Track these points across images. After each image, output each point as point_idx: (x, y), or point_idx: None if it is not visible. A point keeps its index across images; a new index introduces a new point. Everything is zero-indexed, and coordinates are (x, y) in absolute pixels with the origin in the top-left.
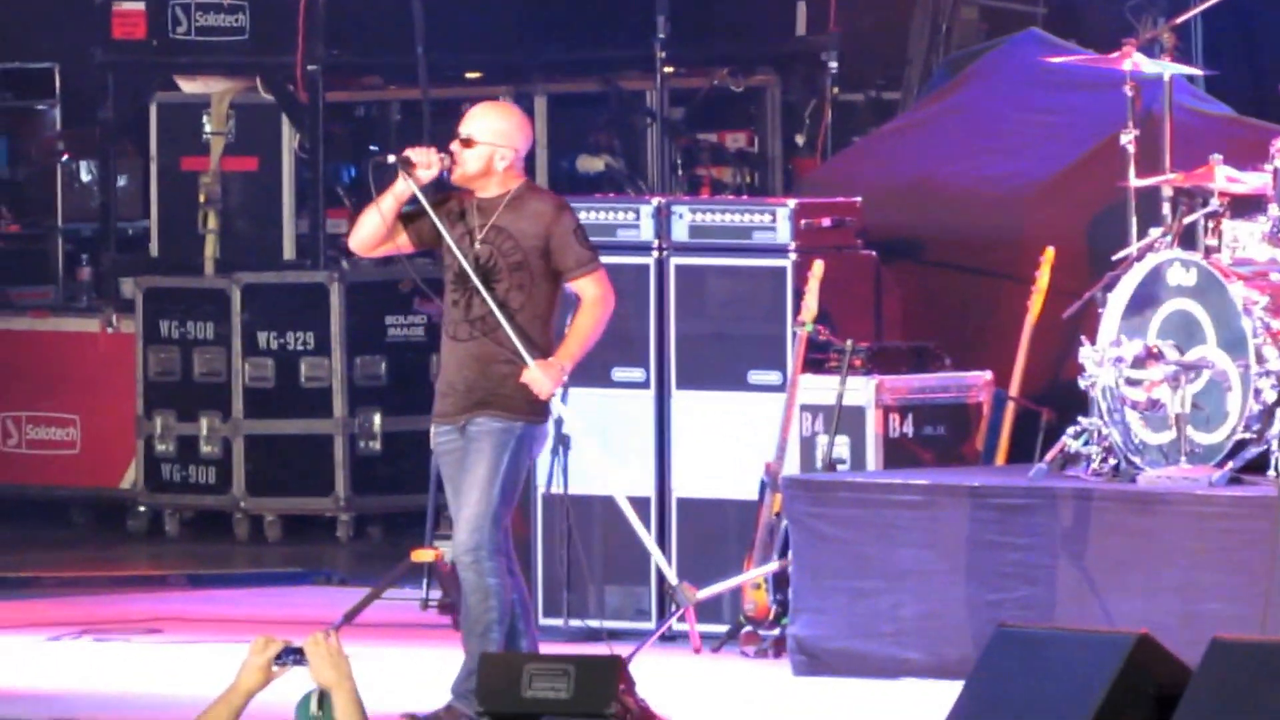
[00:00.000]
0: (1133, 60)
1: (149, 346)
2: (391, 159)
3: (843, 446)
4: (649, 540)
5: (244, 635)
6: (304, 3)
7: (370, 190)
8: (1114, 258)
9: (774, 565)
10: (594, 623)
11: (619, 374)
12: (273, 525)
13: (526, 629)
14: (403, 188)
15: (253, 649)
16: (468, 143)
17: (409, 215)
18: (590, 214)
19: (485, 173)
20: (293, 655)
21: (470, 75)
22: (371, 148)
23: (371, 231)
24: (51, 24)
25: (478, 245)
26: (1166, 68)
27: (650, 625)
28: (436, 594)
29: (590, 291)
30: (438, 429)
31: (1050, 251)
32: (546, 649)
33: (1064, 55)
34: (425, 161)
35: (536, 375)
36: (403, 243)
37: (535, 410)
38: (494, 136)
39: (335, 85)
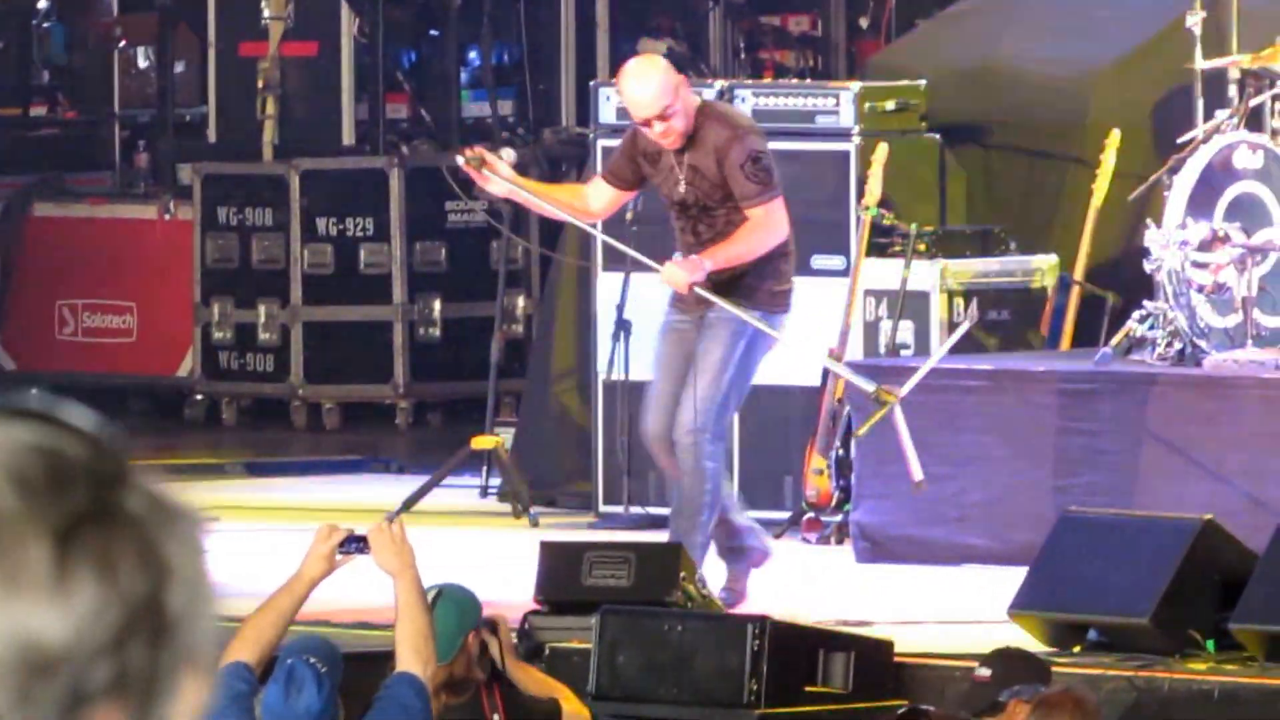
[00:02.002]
0: None
1: (207, 233)
2: (462, 160)
3: (907, 331)
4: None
5: (302, 524)
6: None
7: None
8: (1180, 140)
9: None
10: (655, 510)
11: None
12: (331, 413)
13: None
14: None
15: (317, 537)
16: (663, 117)
17: (612, 170)
18: None
19: (688, 125)
20: (356, 544)
21: None
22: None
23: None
24: None
25: (682, 187)
26: None
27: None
28: (496, 481)
29: (753, 218)
30: (671, 311)
31: (1116, 134)
32: (608, 536)
33: None
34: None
35: (671, 269)
36: (610, 197)
37: (775, 303)
38: (668, 97)
39: None
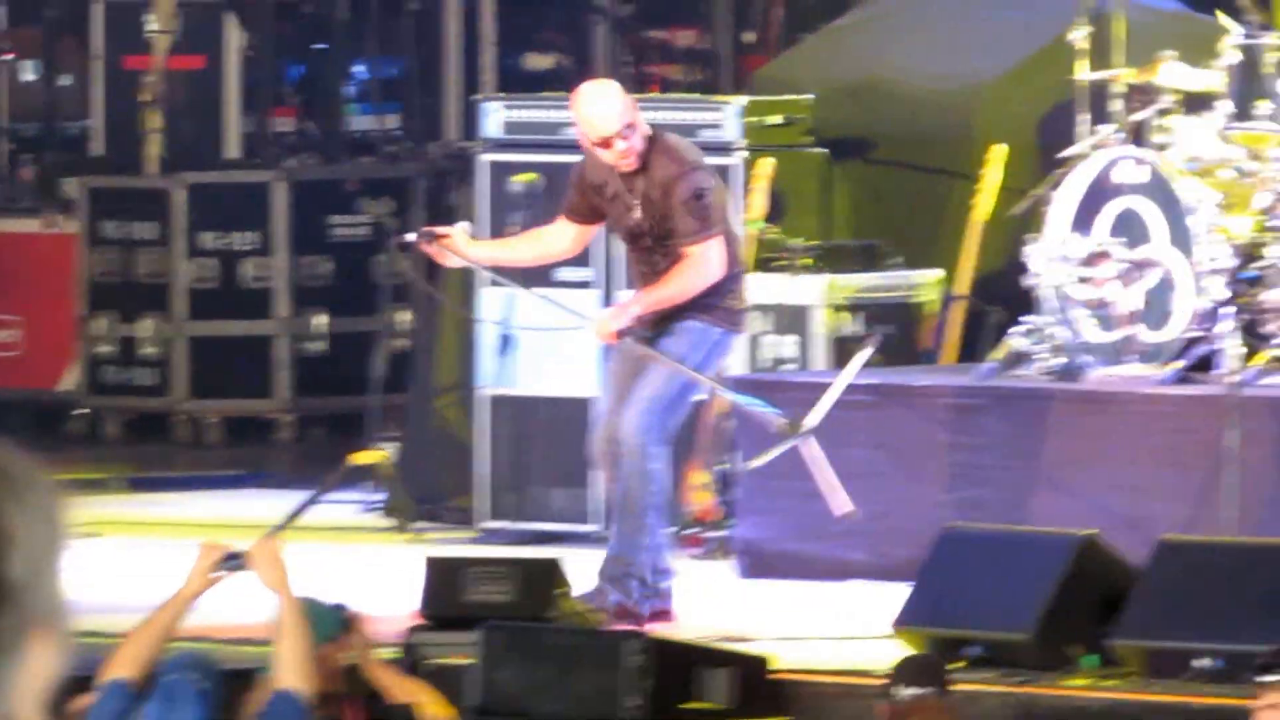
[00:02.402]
0: None
1: (91, 247)
2: (414, 236)
3: (790, 346)
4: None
5: (186, 539)
6: None
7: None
8: (1063, 155)
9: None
10: (538, 525)
11: (564, 273)
12: (214, 428)
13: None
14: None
15: (199, 554)
16: (623, 135)
17: (569, 207)
18: (536, 112)
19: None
20: (234, 560)
21: None
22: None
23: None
24: None
25: (637, 213)
26: None
27: (593, 527)
28: (379, 496)
29: (689, 256)
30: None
31: (1000, 149)
32: (490, 551)
33: None
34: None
35: (599, 321)
36: (574, 234)
37: (733, 321)
38: (629, 115)
39: None
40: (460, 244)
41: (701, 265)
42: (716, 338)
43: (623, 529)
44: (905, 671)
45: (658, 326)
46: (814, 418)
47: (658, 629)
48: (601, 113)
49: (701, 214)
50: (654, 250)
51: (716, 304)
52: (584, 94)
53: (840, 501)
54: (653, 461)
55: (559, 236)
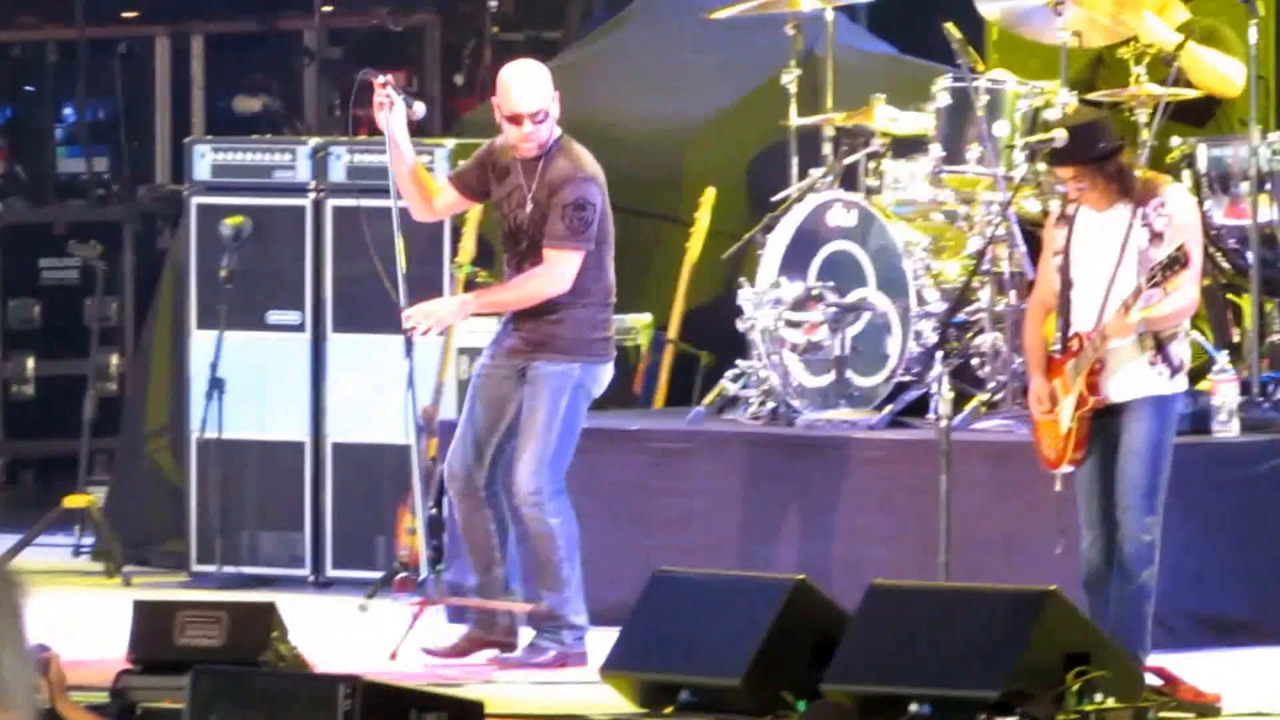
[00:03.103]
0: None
1: None
2: (379, 79)
3: None
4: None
5: None
6: None
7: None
8: (774, 199)
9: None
10: (249, 569)
11: (274, 317)
12: None
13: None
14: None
15: None
16: (535, 119)
17: (460, 173)
18: (246, 155)
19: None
20: None
21: (127, 15)
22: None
23: (404, 191)
24: None
25: (529, 207)
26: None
27: (304, 571)
28: (89, 540)
29: (546, 259)
30: (490, 353)
31: (710, 192)
32: (200, 595)
33: None
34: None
35: (436, 303)
36: (451, 200)
37: (593, 351)
38: (547, 102)
39: None
40: (400, 114)
41: (550, 273)
42: (577, 377)
43: (542, 585)
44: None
45: (524, 370)
46: None
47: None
48: (523, 88)
49: (576, 224)
50: (526, 255)
51: (577, 336)
52: (514, 67)
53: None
54: (552, 517)
55: (439, 195)
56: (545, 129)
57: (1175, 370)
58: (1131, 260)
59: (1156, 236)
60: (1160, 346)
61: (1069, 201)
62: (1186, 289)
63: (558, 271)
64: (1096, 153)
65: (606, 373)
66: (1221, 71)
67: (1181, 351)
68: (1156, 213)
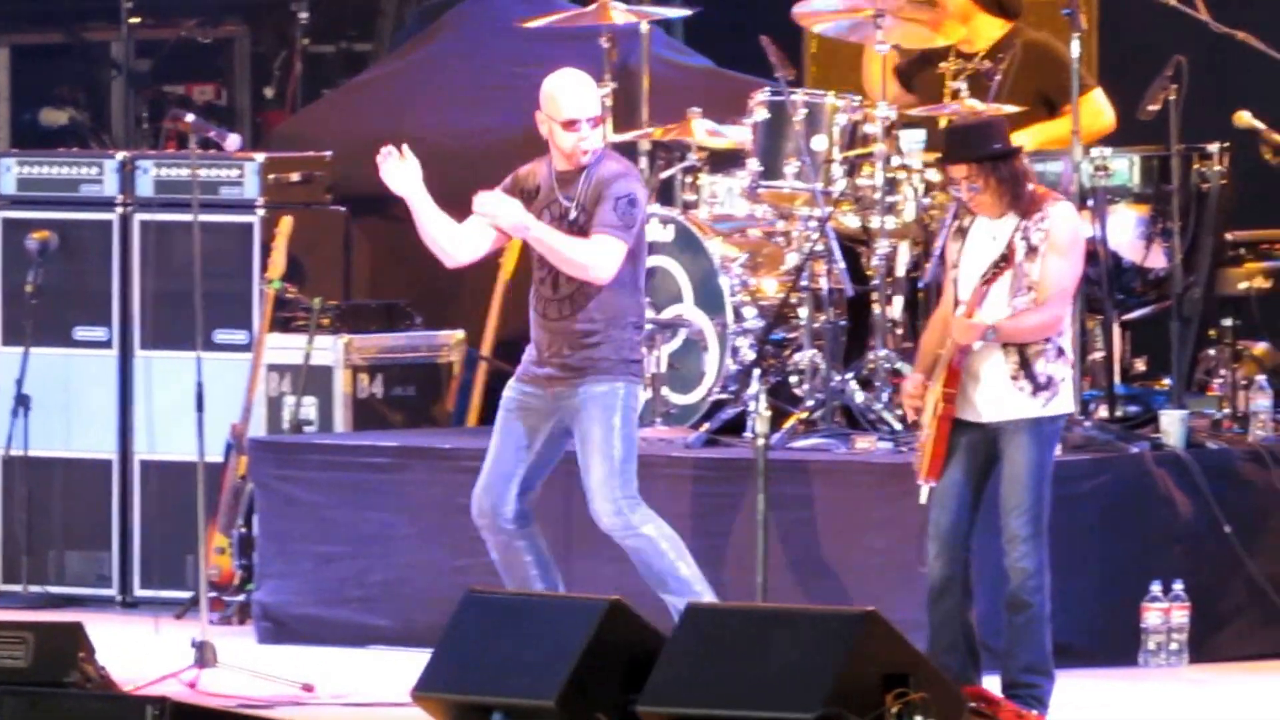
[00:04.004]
0: (608, 11)
1: None
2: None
3: (310, 407)
4: None
5: None
6: None
7: None
8: None
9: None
10: (55, 589)
11: (81, 333)
12: None
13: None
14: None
15: None
16: (594, 122)
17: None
18: (52, 169)
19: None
20: None
21: None
22: None
23: (439, 249)
24: None
25: (574, 214)
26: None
27: (112, 591)
28: None
29: (594, 239)
30: (519, 385)
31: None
32: (6, 615)
33: (539, 6)
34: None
35: (502, 201)
36: (482, 239)
37: (632, 371)
38: (601, 109)
39: None
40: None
41: (598, 250)
42: (623, 395)
43: (665, 590)
44: None
45: (565, 395)
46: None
47: (187, 696)
48: (577, 93)
49: (626, 216)
50: (561, 272)
51: (615, 358)
52: (561, 76)
53: None
54: (643, 526)
55: (465, 237)
56: (600, 134)
57: (1040, 388)
58: (1009, 272)
59: (1032, 251)
60: (1024, 362)
61: (966, 213)
62: (1051, 306)
63: (604, 253)
64: (991, 151)
65: (643, 396)
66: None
67: (1050, 369)
68: (1036, 226)
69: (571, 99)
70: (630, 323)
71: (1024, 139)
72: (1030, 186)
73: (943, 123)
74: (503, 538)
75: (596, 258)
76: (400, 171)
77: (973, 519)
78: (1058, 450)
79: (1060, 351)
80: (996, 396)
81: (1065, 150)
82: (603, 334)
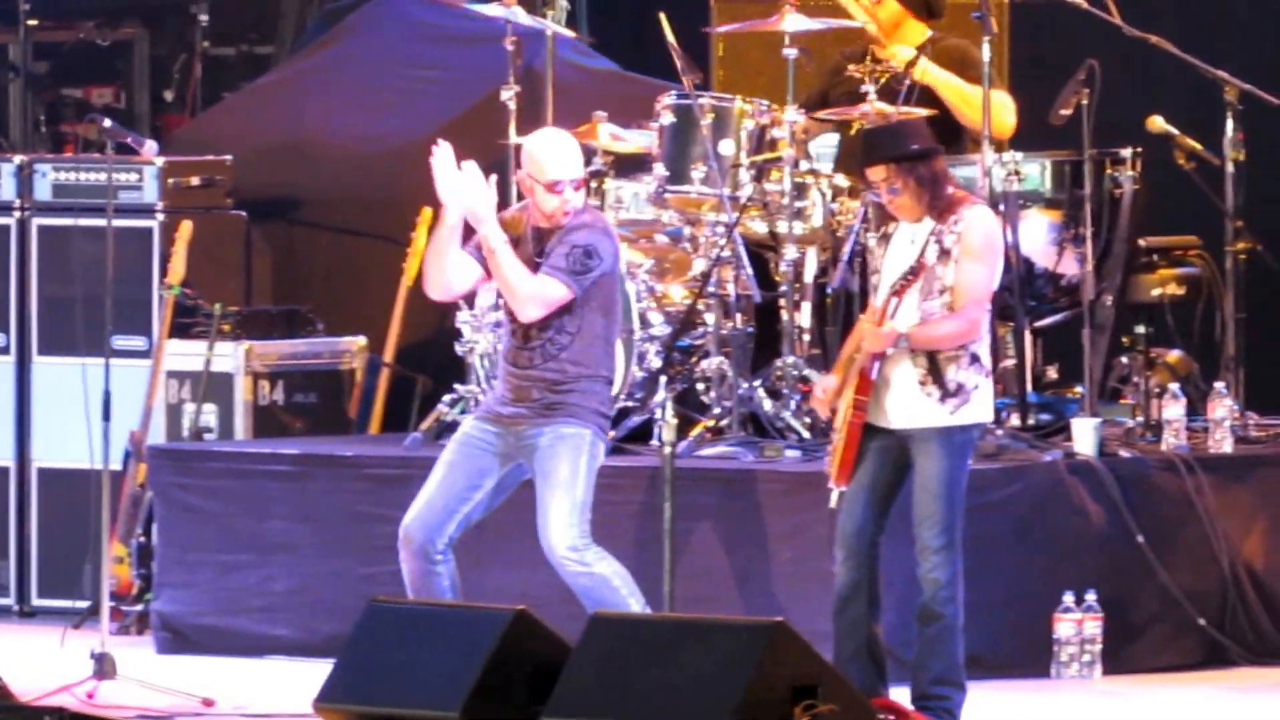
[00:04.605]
0: (512, 14)
1: None
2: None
3: (210, 415)
4: None
5: None
6: None
7: None
8: None
9: None
10: None
11: None
12: None
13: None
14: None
15: None
16: (576, 185)
17: (478, 244)
18: None
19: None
20: None
21: None
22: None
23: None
24: None
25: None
26: (549, 23)
27: (9, 601)
28: None
29: (540, 275)
30: (480, 424)
31: (428, 212)
32: None
33: (442, 9)
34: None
35: (470, 187)
36: (471, 273)
37: (601, 425)
38: (583, 175)
39: None
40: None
41: (534, 287)
42: (590, 439)
43: None
44: None
45: (529, 435)
46: None
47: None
48: (562, 156)
49: (576, 264)
50: (534, 323)
51: (586, 406)
52: (550, 135)
53: None
54: (596, 564)
55: (455, 267)
56: (581, 196)
57: (949, 395)
58: (920, 279)
59: (944, 254)
60: (934, 369)
61: (889, 220)
62: (966, 311)
63: (539, 290)
64: (909, 152)
65: (602, 455)
66: (966, 92)
67: (962, 377)
68: (950, 229)
69: (555, 162)
70: (604, 377)
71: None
72: (949, 189)
73: (855, 129)
74: (424, 566)
75: (529, 292)
76: (467, 183)
77: (880, 524)
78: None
79: (975, 359)
80: (905, 403)
81: (976, 156)
82: (575, 382)
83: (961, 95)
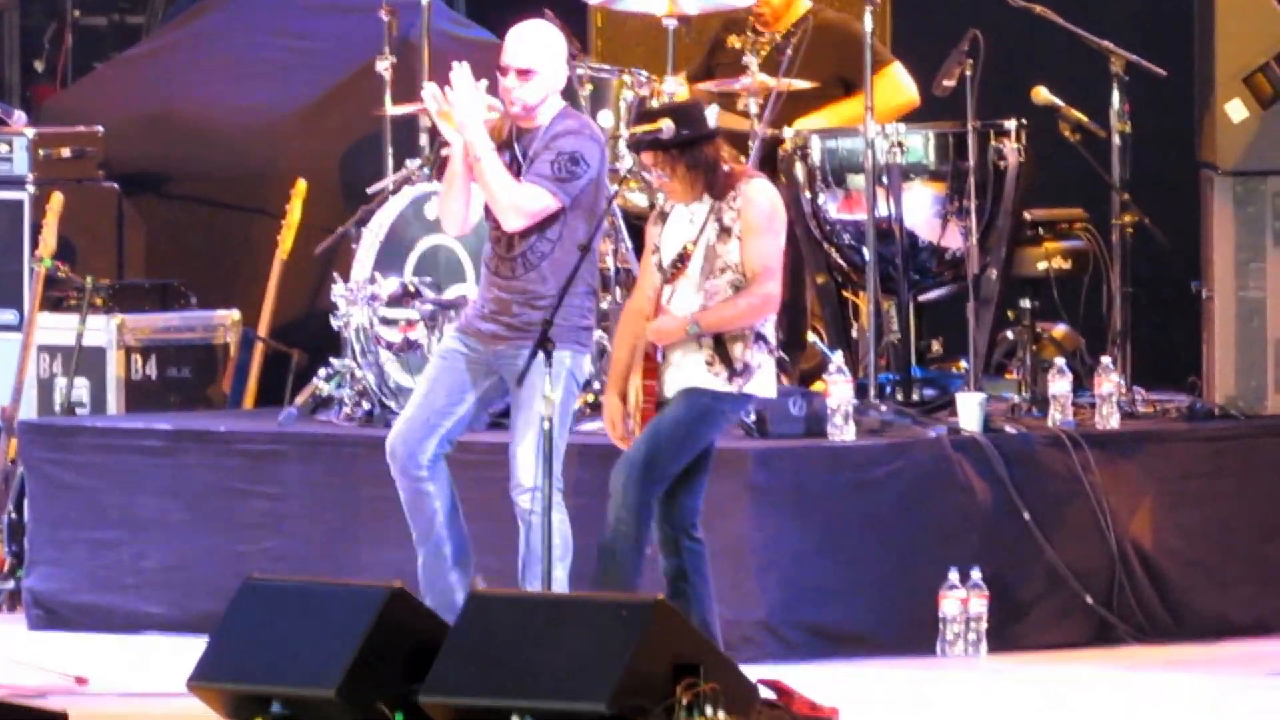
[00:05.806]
0: None
1: None
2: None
3: (82, 389)
4: None
5: None
6: None
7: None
8: (369, 190)
9: None
10: None
11: None
12: None
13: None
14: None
15: None
16: (525, 73)
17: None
18: None
19: (539, 106)
20: None
21: None
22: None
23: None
24: None
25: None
26: None
27: None
28: None
29: (525, 184)
30: (462, 337)
31: (302, 184)
32: None
33: None
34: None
35: (467, 98)
36: (481, 204)
37: (580, 340)
38: (538, 61)
39: None
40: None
41: (519, 195)
42: (568, 365)
43: (529, 580)
44: None
45: (494, 347)
46: None
47: None
48: (516, 42)
49: (562, 171)
50: (513, 235)
51: (564, 324)
52: (526, 23)
53: None
54: (553, 513)
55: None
56: (531, 91)
57: (736, 374)
58: (699, 257)
59: (725, 231)
60: (721, 349)
61: (667, 197)
62: (757, 286)
63: (524, 199)
64: (674, 139)
65: (589, 362)
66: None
67: (745, 355)
68: (729, 206)
69: (507, 45)
70: (582, 289)
71: (820, 120)
72: (726, 168)
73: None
74: (411, 484)
75: (514, 201)
76: (465, 98)
77: (682, 502)
78: (847, 434)
79: (759, 337)
80: (689, 382)
81: (859, 127)
82: (553, 298)
83: (847, 116)
